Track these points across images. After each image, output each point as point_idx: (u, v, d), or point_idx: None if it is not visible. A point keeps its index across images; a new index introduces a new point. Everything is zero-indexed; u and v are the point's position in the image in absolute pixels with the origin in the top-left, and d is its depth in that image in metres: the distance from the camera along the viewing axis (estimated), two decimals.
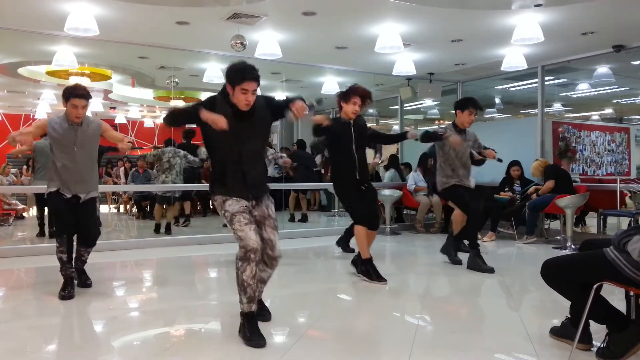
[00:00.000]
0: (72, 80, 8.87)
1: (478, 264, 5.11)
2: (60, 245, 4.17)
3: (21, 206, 10.42)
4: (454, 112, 5.39)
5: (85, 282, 4.43)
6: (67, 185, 4.15)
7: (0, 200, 10.36)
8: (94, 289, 4.45)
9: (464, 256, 5.32)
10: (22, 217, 10.24)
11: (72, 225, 4.22)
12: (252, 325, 3.00)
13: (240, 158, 3.07)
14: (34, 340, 3.16)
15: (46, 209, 7.10)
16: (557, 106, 11.26)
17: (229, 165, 3.09)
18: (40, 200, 7.45)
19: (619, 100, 11.30)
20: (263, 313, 3.39)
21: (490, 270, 5.01)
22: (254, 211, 3.16)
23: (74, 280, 4.25)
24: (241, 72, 3.00)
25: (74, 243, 4.42)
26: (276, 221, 3.23)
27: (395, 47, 6.13)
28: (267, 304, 3.52)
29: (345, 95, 4.65)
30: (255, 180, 3.15)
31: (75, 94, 4.11)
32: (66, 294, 4.05)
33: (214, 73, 7.97)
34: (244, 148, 3.07)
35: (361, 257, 4.73)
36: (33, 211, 11.35)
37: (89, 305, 4.05)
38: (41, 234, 7.54)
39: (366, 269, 4.68)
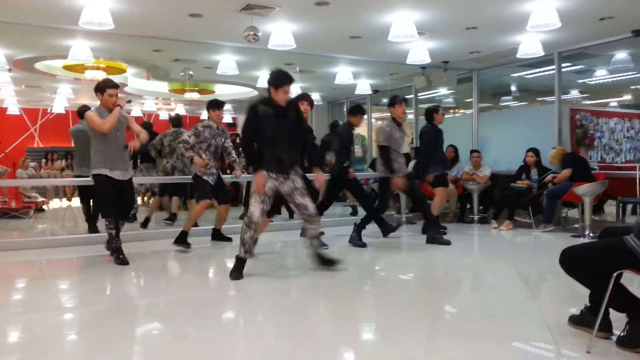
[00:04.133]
0: (88, 75, 8.96)
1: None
2: (110, 223, 5.07)
3: (41, 199, 10.58)
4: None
5: (122, 260, 5.09)
6: (113, 165, 5.00)
7: (21, 194, 10.54)
8: (112, 279, 4.53)
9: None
10: (42, 210, 10.40)
11: (117, 206, 5.09)
12: (238, 266, 4.39)
13: (276, 146, 4.32)
14: (54, 330, 3.21)
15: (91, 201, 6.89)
16: (575, 93, 11.10)
17: (270, 150, 4.33)
18: (84, 193, 6.98)
19: (638, 87, 11.10)
20: (327, 264, 4.63)
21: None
22: (283, 185, 4.37)
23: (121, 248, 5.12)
24: (284, 78, 4.36)
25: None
26: (304, 189, 4.43)
27: (409, 35, 6.08)
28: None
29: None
30: (287, 163, 4.35)
31: (109, 85, 5.07)
32: (123, 258, 5.04)
33: (228, 65, 7.98)
34: (279, 138, 4.29)
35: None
36: (53, 204, 11.57)
37: (108, 296, 4.12)
38: (93, 229, 6.71)
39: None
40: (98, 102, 5.12)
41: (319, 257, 4.63)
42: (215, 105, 6.00)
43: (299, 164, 4.53)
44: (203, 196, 5.89)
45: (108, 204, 5.10)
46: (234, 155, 6.17)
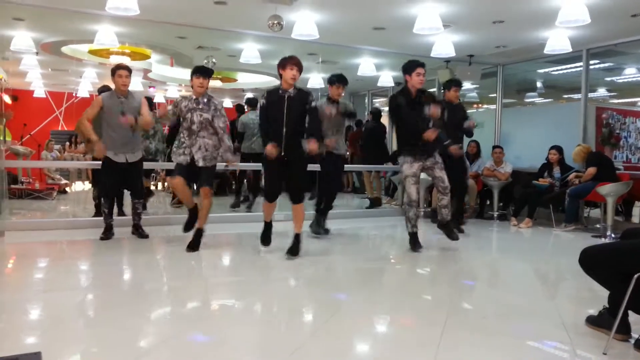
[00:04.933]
0: (113, 59, 9.05)
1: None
2: (105, 202, 5.54)
3: (64, 181, 10.77)
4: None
5: (142, 234, 5.60)
6: (118, 149, 5.30)
7: (45, 175, 10.74)
8: (133, 261, 4.60)
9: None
10: (65, 192, 10.58)
11: (114, 188, 5.55)
12: (414, 239, 5.24)
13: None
14: (74, 309, 3.28)
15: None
16: (602, 91, 10.88)
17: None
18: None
19: None
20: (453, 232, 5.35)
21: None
22: (426, 162, 5.17)
23: (112, 228, 5.54)
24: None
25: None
26: (442, 164, 5.22)
27: (435, 28, 6.00)
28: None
29: (282, 63, 4.69)
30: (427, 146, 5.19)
31: (119, 67, 5.34)
32: (105, 236, 5.45)
33: (251, 53, 7.99)
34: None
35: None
36: (75, 186, 11.76)
37: (125, 278, 4.18)
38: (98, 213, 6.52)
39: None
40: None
41: (444, 225, 5.36)
42: (195, 72, 5.00)
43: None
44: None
45: (105, 185, 5.53)
46: (225, 139, 5.08)
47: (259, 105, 5.17)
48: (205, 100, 4.99)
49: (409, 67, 5.19)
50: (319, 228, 6.01)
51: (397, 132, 5.50)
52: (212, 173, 5.14)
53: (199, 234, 5.07)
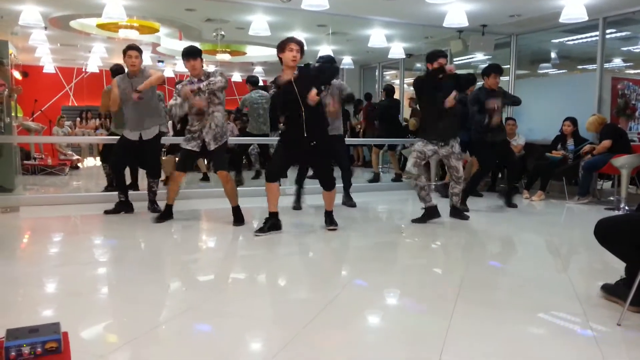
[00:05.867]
0: (122, 33, 8.99)
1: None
2: (115, 178, 5.69)
3: (76, 157, 10.84)
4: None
5: (155, 209, 5.63)
6: (131, 126, 5.39)
7: (57, 151, 10.81)
8: (149, 235, 4.64)
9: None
10: (77, 168, 10.65)
11: (124, 163, 5.65)
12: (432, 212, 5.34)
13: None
14: (88, 283, 3.32)
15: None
16: (617, 61, 10.64)
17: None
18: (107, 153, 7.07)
19: None
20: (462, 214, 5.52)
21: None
22: (441, 150, 5.24)
23: (124, 205, 5.60)
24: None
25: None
26: (459, 154, 5.33)
27: None
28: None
29: (280, 46, 4.49)
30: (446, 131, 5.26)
31: (129, 47, 5.37)
32: (111, 210, 5.55)
33: (260, 25, 7.89)
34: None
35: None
36: (87, 162, 11.84)
37: (139, 252, 4.22)
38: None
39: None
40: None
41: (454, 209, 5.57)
42: (184, 55, 4.91)
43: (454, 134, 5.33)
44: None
45: (116, 161, 5.59)
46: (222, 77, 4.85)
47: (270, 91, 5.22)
48: (204, 79, 4.83)
49: (432, 56, 5.24)
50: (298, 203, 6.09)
51: (421, 112, 5.60)
52: (223, 153, 5.04)
53: (237, 211, 5.08)
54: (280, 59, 4.51)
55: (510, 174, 6.74)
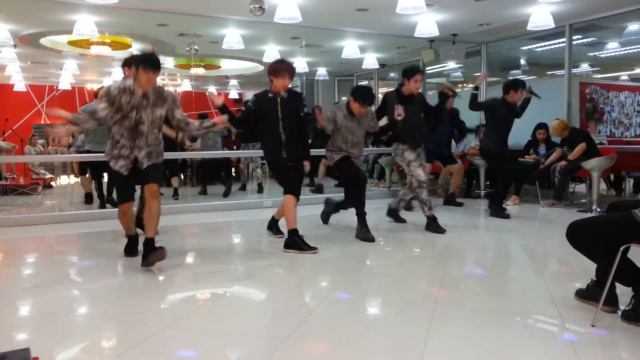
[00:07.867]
0: (94, 50, 8.91)
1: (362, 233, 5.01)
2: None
3: (49, 175, 10.65)
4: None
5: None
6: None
7: (29, 170, 10.61)
8: (121, 254, 4.58)
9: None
10: (50, 186, 10.47)
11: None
12: (434, 223, 5.31)
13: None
14: (65, 304, 3.26)
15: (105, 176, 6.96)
16: (585, 67, 10.92)
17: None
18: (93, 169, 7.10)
19: None
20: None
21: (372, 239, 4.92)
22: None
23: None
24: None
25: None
26: (424, 160, 5.51)
27: (418, 7, 5.97)
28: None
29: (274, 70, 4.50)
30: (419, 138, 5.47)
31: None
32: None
33: (234, 39, 7.91)
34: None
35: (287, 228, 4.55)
36: (60, 180, 11.64)
37: (116, 270, 4.16)
38: (102, 206, 6.83)
39: (293, 240, 4.50)
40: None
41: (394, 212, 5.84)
42: (142, 63, 3.84)
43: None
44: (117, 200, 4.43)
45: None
46: (195, 122, 4.33)
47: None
48: (156, 93, 3.97)
49: (410, 72, 5.29)
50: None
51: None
52: (160, 168, 4.20)
53: (149, 245, 3.96)
54: (272, 80, 4.52)
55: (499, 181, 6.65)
